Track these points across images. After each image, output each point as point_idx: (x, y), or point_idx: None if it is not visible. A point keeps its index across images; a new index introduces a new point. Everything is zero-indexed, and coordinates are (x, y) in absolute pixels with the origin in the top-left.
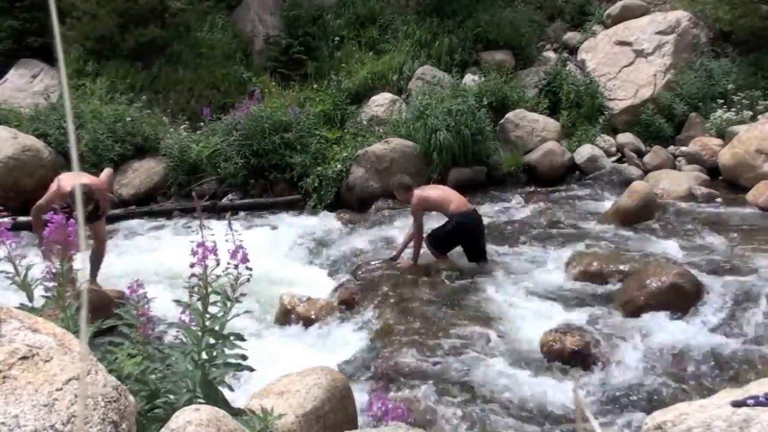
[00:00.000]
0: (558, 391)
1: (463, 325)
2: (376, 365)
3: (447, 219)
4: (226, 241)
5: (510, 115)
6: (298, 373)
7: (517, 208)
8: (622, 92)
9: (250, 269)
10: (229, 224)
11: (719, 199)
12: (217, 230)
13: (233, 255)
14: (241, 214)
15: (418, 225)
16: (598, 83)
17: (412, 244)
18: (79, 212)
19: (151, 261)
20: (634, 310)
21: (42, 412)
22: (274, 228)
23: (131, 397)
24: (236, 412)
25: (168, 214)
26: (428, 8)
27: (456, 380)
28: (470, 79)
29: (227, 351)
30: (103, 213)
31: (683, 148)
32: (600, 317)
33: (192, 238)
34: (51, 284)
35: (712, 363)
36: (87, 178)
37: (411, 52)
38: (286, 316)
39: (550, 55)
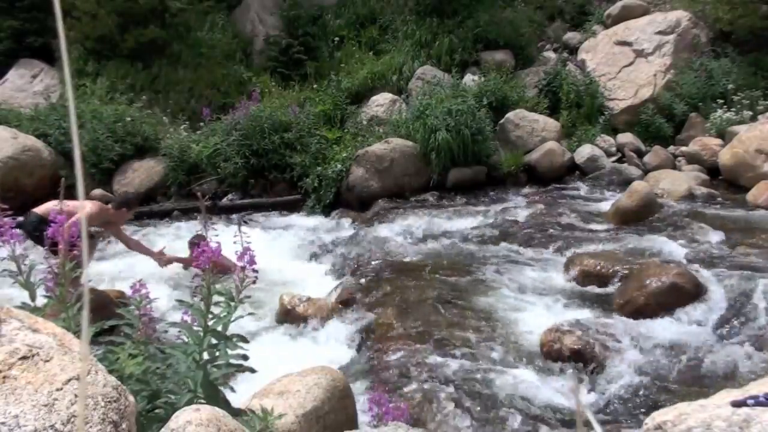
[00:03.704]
0: (558, 391)
1: (463, 325)
2: (377, 365)
3: None
4: (234, 242)
5: (510, 115)
6: (298, 373)
7: (517, 208)
8: (622, 92)
9: (257, 271)
10: (239, 226)
11: (719, 199)
12: (220, 231)
13: (240, 257)
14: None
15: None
16: (598, 83)
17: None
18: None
19: (151, 261)
20: (633, 310)
21: (42, 412)
22: (273, 228)
23: (131, 397)
24: (236, 412)
25: (168, 214)
26: (428, 8)
27: (456, 380)
28: (470, 79)
29: (229, 351)
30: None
31: (683, 148)
32: (600, 317)
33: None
34: (53, 284)
35: (712, 363)
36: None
37: (411, 52)
38: (286, 316)
39: (550, 55)
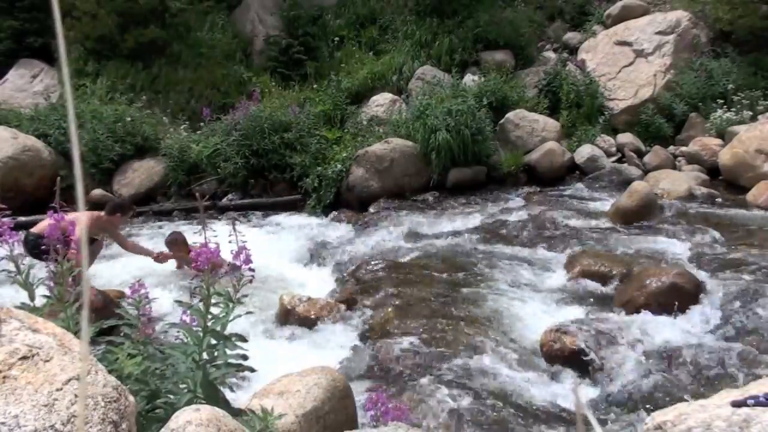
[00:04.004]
0: (558, 391)
1: (463, 325)
2: (377, 365)
3: None
4: (230, 242)
5: (510, 115)
6: (298, 373)
7: (517, 208)
8: (622, 92)
9: (253, 270)
10: (233, 225)
11: (719, 199)
12: (218, 230)
13: (236, 256)
14: (240, 216)
15: None
16: (598, 83)
17: None
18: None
19: (151, 261)
20: (634, 310)
21: (42, 412)
22: (273, 228)
23: (131, 397)
24: (236, 412)
25: (168, 214)
26: (428, 8)
27: (456, 380)
28: (470, 79)
29: (228, 351)
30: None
31: (683, 148)
32: (600, 317)
33: (195, 239)
34: (52, 284)
35: (712, 363)
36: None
37: (411, 52)
38: (286, 316)
39: (550, 55)
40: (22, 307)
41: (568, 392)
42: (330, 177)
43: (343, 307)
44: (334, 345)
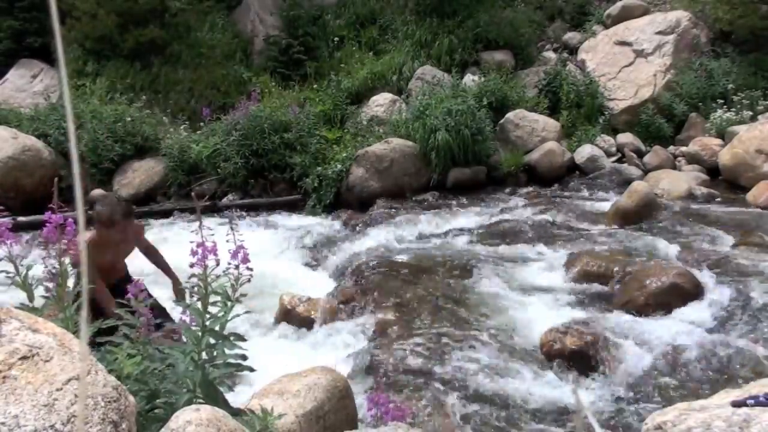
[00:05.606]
0: (558, 391)
1: (463, 325)
2: (376, 365)
3: None
4: (227, 241)
5: (510, 115)
6: (298, 373)
7: (517, 208)
8: (622, 92)
9: (251, 269)
10: (231, 224)
11: (719, 199)
12: (217, 230)
13: (234, 255)
14: (242, 213)
15: None
16: (598, 83)
17: None
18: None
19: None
20: (634, 310)
21: (42, 412)
22: (273, 228)
23: (131, 397)
24: (236, 412)
25: (168, 214)
26: (428, 8)
27: (456, 380)
28: (470, 79)
29: (227, 351)
30: None
31: (683, 148)
32: (600, 317)
33: (192, 238)
34: (51, 284)
35: (712, 363)
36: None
37: (411, 52)
38: (286, 316)
39: (550, 55)
40: (22, 307)
41: (568, 392)
42: (330, 177)
43: (342, 307)
44: (334, 345)
